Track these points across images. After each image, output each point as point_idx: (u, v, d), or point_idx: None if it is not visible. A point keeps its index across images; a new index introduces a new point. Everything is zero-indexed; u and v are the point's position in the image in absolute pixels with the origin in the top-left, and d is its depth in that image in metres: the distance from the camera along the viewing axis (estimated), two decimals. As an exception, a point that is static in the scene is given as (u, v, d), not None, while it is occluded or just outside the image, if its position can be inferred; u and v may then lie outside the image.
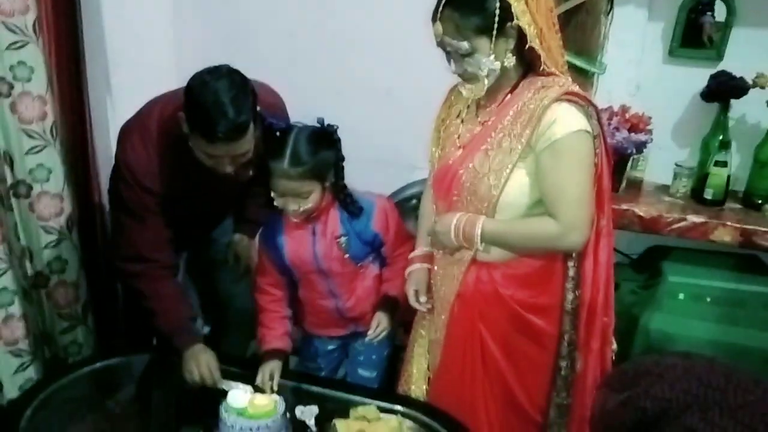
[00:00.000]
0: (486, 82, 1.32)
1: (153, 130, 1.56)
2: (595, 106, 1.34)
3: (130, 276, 1.63)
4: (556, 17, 1.34)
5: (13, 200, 1.82)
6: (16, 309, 1.83)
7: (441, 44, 1.31)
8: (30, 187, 1.84)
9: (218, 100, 1.36)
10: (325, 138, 1.56)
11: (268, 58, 2.34)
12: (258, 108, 1.48)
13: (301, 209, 1.56)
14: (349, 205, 1.64)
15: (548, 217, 1.34)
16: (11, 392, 1.84)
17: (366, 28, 2.25)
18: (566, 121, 1.28)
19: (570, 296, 1.42)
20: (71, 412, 1.60)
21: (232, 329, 2.10)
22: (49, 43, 1.84)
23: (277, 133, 1.54)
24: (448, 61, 1.34)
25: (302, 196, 1.55)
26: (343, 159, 1.61)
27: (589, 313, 1.42)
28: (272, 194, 1.57)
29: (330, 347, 1.85)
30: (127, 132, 1.62)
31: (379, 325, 1.69)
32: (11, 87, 1.74)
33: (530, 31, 1.26)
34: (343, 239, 1.65)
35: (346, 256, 1.66)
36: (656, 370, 0.87)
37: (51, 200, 1.89)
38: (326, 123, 1.57)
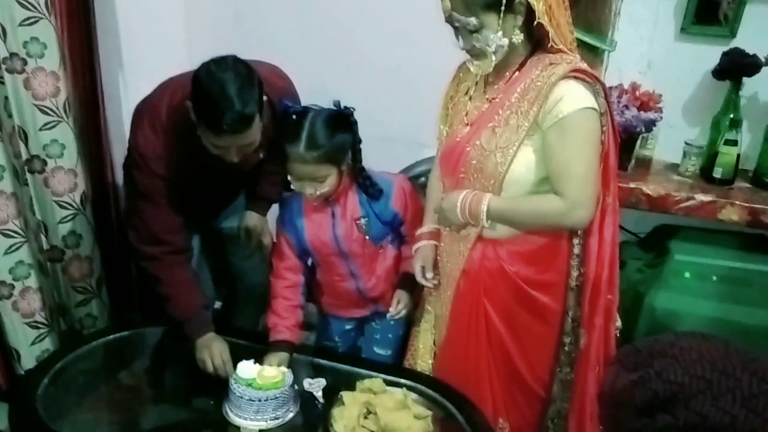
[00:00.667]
0: (494, 58, 1.32)
1: (163, 116, 1.58)
2: (602, 84, 1.33)
3: (147, 259, 1.66)
4: None
5: (28, 175, 1.86)
6: (32, 282, 1.88)
7: (449, 20, 1.31)
8: (44, 163, 1.88)
9: (224, 92, 1.37)
10: (341, 121, 1.56)
11: (277, 36, 2.34)
12: (265, 96, 1.48)
13: (318, 193, 1.57)
14: (369, 187, 1.64)
15: (554, 194, 1.35)
16: (28, 363, 1.89)
17: (376, 5, 2.24)
18: (573, 99, 1.28)
19: (575, 273, 1.43)
20: (86, 382, 1.65)
21: (243, 304, 2.13)
22: (61, 19, 1.86)
23: (293, 117, 1.54)
24: (456, 37, 1.34)
25: (318, 179, 1.55)
26: (360, 141, 1.61)
27: (593, 290, 1.43)
28: (289, 177, 1.57)
29: (347, 327, 1.87)
30: (138, 117, 1.64)
31: (400, 303, 1.70)
32: (25, 63, 1.77)
33: (539, 7, 1.25)
34: (363, 221, 1.65)
35: (366, 237, 1.67)
36: (671, 352, 0.87)
37: (65, 175, 1.92)
38: (342, 105, 1.56)
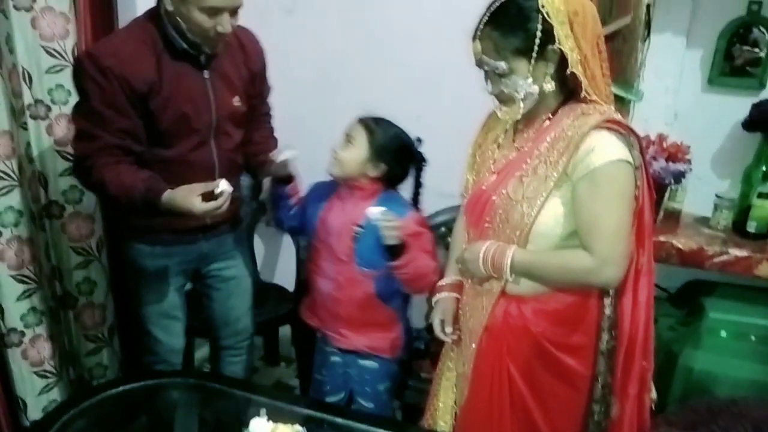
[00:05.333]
0: (522, 105, 1.28)
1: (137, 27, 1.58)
2: (637, 136, 1.27)
3: (83, 159, 1.55)
4: (603, 45, 1.28)
5: (46, 221, 1.85)
6: (43, 329, 1.85)
7: (479, 63, 1.28)
8: (63, 208, 1.87)
9: None
10: (404, 145, 1.69)
11: (297, 85, 2.36)
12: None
13: (339, 155, 1.64)
14: (394, 192, 1.70)
15: (582, 249, 1.29)
16: (35, 413, 1.84)
17: (395, 55, 2.25)
18: (606, 150, 1.22)
19: (605, 336, 1.33)
20: (93, 435, 1.59)
21: (234, 354, 2.02)
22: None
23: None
24: (486, 81, 1.31)
25: (348, 138, 1.65)
26: (409, 159, 1.71)
27: (626, 356, 1.34)
28: None
29: (333, 358, 1.83)
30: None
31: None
32: (48, 109, 1.79)
33: (572, 57, 1.21)
34: (358, 229, 1.66)
35: (353, 246, 1.66)
36: (734, 409, 0.81)
37: (83, 221, 1.91)
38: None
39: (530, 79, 1.25)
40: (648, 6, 1.83)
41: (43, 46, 1.75)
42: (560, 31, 1.20)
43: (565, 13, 1.20)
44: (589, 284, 1.32)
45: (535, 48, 1.21)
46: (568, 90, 1.30)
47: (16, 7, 1.70)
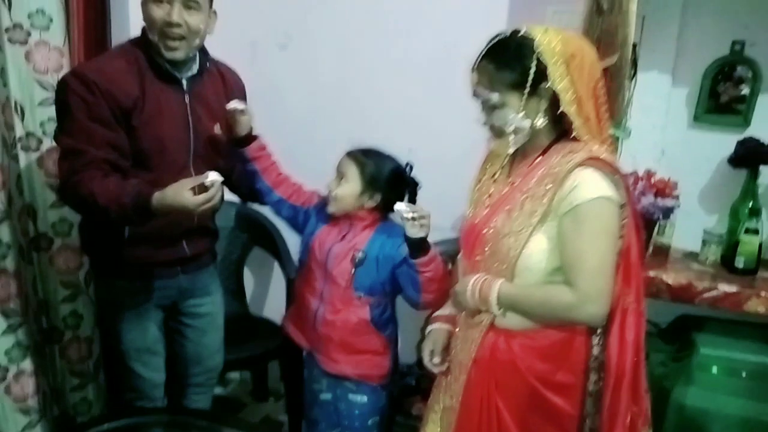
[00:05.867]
0: (512, 138, 1.30)
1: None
2: (622, 175, 1.29)
3: (69, 175, 1.51)
4: (602, 90, 1.30)
5: (34, 253, 1.83)
6: (27, 365, 1.81)
7: (474, 94, 1.32)
8: (51, 241, 1.85)
9: None
10: (395, 171, 1.70)
11: (291, 114, 2.38)
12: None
13: (333, 193, 1.68)
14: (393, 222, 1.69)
15: (565, 285, 1.29)
16: (16, 452, 1.79)
17: (389, 89, 2.29)
18: (589, 187, 1.23)
19: (593, 377, 1.31)
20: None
21: (200, 390, 1.99)
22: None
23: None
24: (481, 111, 1.33)
25: (340, 174, 1.69)
26: (402, 184, 1.70)
27: (613, 398, 1.31)
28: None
29: (323, 396, 1.81)
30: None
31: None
32: (40, 142, 1.78)
33: (565, 97, 1.23)
34: (360, 254, 1.67)
35: (353, 271, 1.66)
36: None
37: (71, 254, 1.89)
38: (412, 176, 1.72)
39: (521, 114, 1.27)
40: (634, 45, 1.87)
41: (36, 80, 1.76)
42: (554, 71, 1.23)
43: (561, 54, 1.23)
44: (571, 320, 1.31)
45: (528, 84, 1.24)
46: (562, 129, 1.32)
47: (10, 41, 1.71)
